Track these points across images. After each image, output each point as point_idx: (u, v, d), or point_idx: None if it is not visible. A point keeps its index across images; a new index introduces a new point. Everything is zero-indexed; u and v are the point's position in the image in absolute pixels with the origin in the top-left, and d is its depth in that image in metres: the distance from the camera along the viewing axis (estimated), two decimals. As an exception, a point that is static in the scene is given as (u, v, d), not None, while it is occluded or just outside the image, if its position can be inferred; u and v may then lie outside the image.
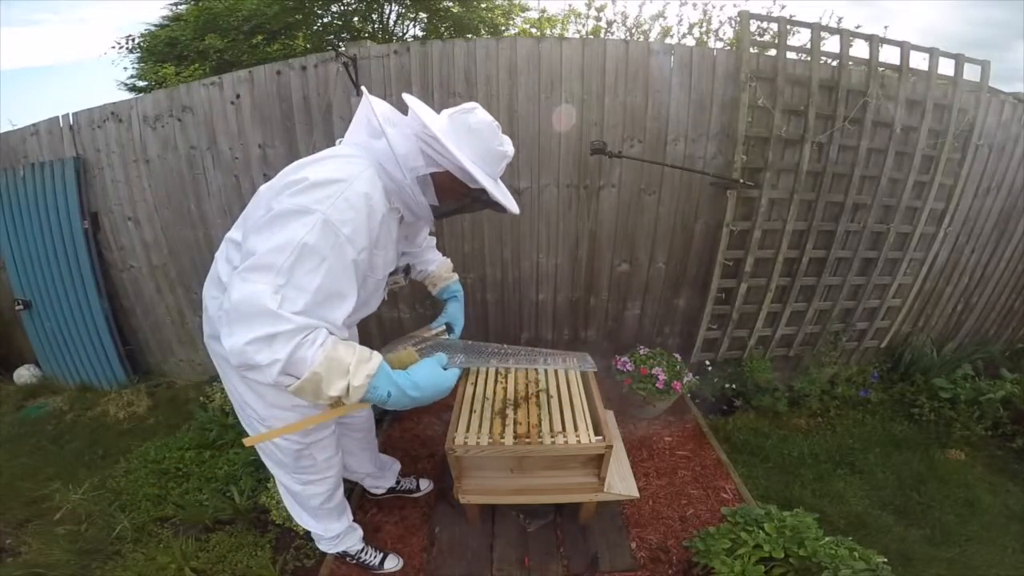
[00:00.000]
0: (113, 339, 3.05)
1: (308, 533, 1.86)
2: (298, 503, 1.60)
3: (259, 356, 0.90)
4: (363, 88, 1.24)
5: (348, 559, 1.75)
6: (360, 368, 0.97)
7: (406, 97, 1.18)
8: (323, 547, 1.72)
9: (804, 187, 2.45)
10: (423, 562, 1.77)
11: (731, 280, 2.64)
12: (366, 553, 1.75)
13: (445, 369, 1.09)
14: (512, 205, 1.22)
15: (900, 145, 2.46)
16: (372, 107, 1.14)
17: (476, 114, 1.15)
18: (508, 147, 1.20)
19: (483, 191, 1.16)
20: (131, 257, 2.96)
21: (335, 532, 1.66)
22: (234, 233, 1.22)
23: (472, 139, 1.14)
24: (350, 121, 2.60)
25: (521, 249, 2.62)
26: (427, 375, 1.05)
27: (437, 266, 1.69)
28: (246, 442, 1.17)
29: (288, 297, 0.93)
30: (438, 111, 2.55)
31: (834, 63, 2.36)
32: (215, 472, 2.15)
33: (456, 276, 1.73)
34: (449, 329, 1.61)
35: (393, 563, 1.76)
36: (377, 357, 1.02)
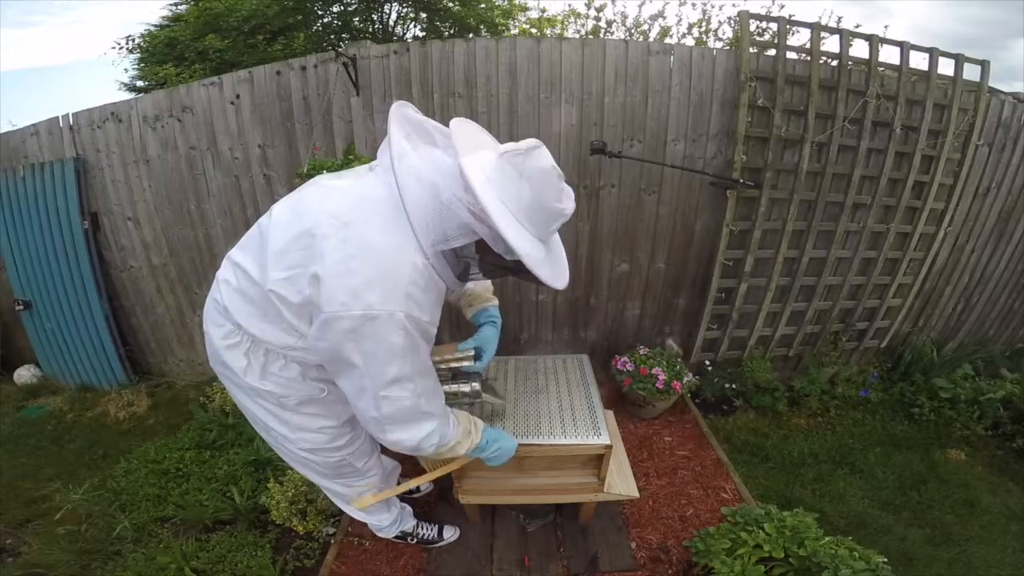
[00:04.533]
0: (113, 339, 3.04)
1: (308, 533, 1.87)
2: (348, 503, 1.62)
3: (425, 444, 1.12)
4: (392, 124, 1.01)
5: (409, 539, 1.79)
6: (476, 431, 1.28)
7: (454, 124, 0.97)
8: (383, 534, 1.77)
9: (804, 187, 2.45)
10: (423, 562, 1.77)
11: (731, 280, 2.64)
12: (422, 528, 1.80)
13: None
14: (554, 279, 0.99)
15: (900, 145, 2.46)
16: (395, 166, 0.93)
17: (536, 155, 0.90)
18: (568, 203, 0.97)
19: (517, 262, 0.93)
20: (131, 257, 2.96)
21: (390, 520, 1.71)
22: (242, 260, 1.10)
23: (518, 189, 0.90)
24: (350, 121, 2.59)
25: (521, 249, 2.62)
26: (504, 435, 1.38)
27: (474, 284, 1.46)
28: (358, 505, 1.52)
29: (424, 391, 1.07)
30: (438, 111, 2.49)
31: (834, 63, 2.36)
32: (215, 472, 2.15)
33: (496, 300, 1.50)
34: (477, 355, 1.39)
35: (451, 532, 1.83)
36: (481, 423, 1.32)
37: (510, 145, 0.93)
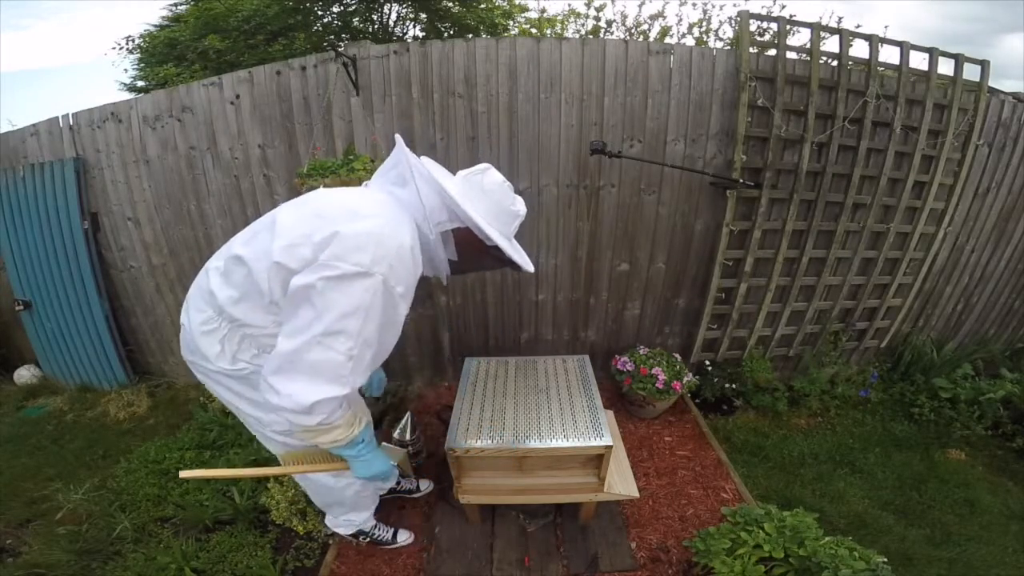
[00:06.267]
0: (113, 339, 3.05)
1: (308, 533, 1.87)
2: (332, 498, 1.64)
3: (316, 409, 1.08)
4: (398, 136, 1.24)
5: (362, 538, 1.80)
6: (359, 425, 1.25)
7: (425, 160, 1.22)
8: (340, 531, 1.77)
9: (804, 187, 2.45)
10: (423, 562, 1.77)
11: (731, 280, 2.64)
12: (379, 529, 1.81)
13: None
14: (527, 263, 1.28)
15: (900, 145, 2.46)
16: (410, 162, 1.17)
17: (489, 175, 1.22)
18: (520, 206, 1.28)
19: (498, 249, 1.21)
20: (131, 257, 2.96)
21: (365, 517, 1.74)
22: (240, 250, 1.17)
23: (486, 199, 1.20)
24: (350, 121, 2.61)
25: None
26: (380, 454, 1.35)
27: None
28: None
29: (358, 357, 1.09)
30: (438, 111, 2.57)
31: (834, 63, 2.36)
32: (215, 472, 2.15)
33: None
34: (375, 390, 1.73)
35: (404, 536, 1.84)
36: (368, 420, 1.30)
37: (468, 170, 1.23)
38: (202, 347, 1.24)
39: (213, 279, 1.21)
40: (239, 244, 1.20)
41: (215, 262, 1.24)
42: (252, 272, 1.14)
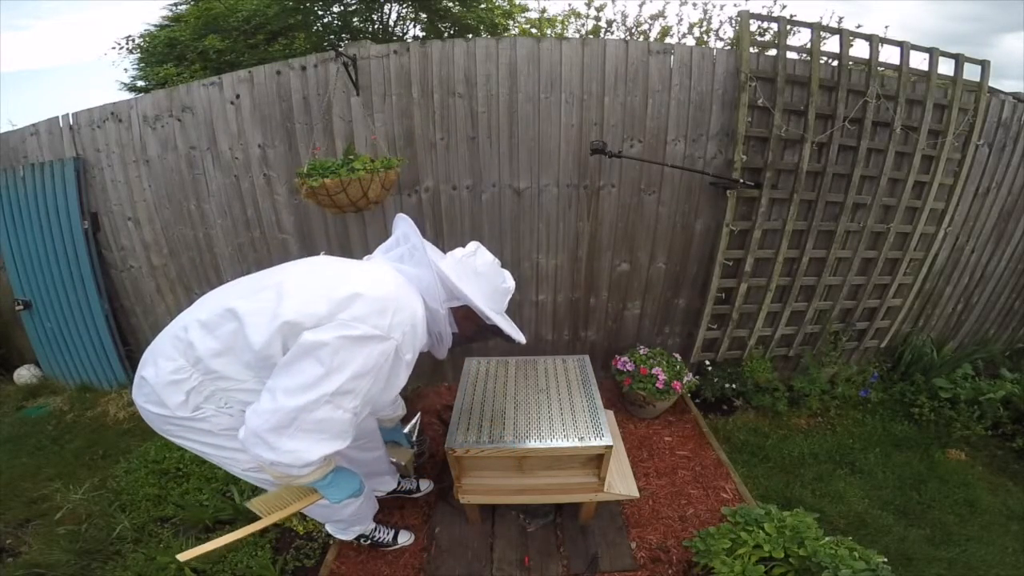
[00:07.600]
0: (113, 339, 3.05)
1: (308, 533, 1.87)
2: (331, 516, 1.63)
3: (316, 464, 1.11)
4: (403, 216, 1.33)
5: (363, 540, 1.79)
6: (328, 465, 1.21)
7: (427, 244, 1.30)
8: (340, 536, 1.76)
9: (804, 187, 2.45)
10: (423, 562, 1.77)
11: (731, 280, 2.64)
12: (380, 531, 1.80)
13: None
14: (520, 337, 1.35)
15: (900, 145, 2.46)
16: (425, 246, 1.26)
17: (480, 256, 1.30)
18: (510, 282, 1.37)
19: (496, 326, 1.29)
20: (131, 257, 2.96)
21: (365, 524, 1.74)
22: (237, 303, 1.15)
23: (481, 281, 1.29)
24: (350, 121, 2.61)
25: (521, 249, 2.62)
26: (348, 475, 1.30)
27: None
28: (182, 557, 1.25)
29: (359, 414, 1.13)
30: (438, 111, 2.58)
31: (834, 63, 2.36)
32: (215, 472, 2.15)
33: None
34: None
35: (405, 538, 1.84)
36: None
37: (461, 252, 1.31)
38: (164, 397, 1.20)
39: (193, 331, 1.18)
40: (235, 297, 1.18)
41: (198, 315, 1.21)
42: (244, 326, 1.12)
